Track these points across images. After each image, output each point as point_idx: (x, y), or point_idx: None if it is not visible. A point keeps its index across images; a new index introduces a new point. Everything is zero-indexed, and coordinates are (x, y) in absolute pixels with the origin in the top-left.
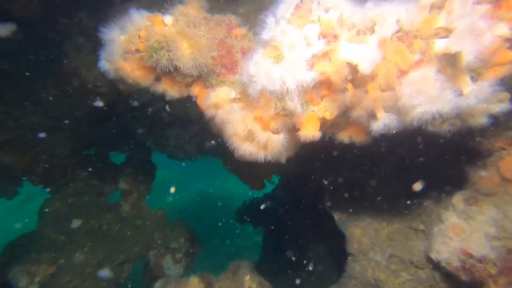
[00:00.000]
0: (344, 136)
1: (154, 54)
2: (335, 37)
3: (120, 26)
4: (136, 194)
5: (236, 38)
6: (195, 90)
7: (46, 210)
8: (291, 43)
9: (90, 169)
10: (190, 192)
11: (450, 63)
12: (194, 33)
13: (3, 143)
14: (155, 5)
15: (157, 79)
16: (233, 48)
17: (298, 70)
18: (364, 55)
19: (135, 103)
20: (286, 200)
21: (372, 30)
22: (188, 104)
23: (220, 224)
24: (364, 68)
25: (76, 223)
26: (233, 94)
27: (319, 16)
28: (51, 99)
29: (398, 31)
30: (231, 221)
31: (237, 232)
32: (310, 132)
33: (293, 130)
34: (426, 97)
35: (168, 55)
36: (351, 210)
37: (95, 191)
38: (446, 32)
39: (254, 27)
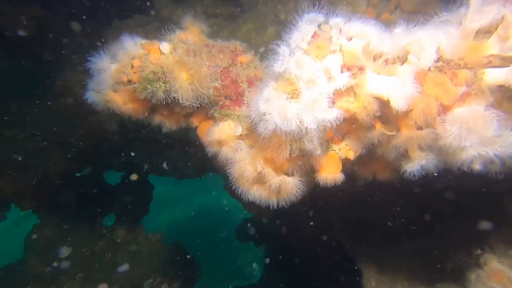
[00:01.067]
0: (366, 173)
1: (149, 86)
2: (361, 69)
3: (111, 53)
4: (131, 217)
5: (241, 66)
6: (195, 121)
7: (34, 237)
8: (309, 77)
9: (83, 191)
10: (188, 210)
11: (506, 96)
12: (194, 62)
13: None
14: (153, 28)
15: (153, 109)
16: (238, 77)
17: (319, 108)
18: (398, 89)
19: (130, 126)
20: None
21: (404, 60)
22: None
23: (220, 244)
24: (400, 104)
25: (65, 252)
26: (239, 130)
27: (341, 46)
28: (43, 118)
29: (437, 61)
30: (231, 239)
31: (237, 251)
32: (332, 175)
33: (310, 171)
34: (478, 137)
35: (165, 87)
36: (365, 242)
37: (87, 214)
38: (502, 61)
39: (257, 48)
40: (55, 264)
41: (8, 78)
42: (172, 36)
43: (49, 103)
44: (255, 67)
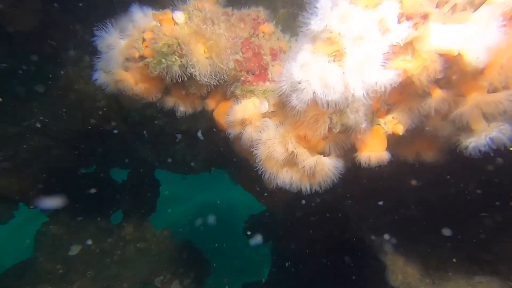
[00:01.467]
0: (408, 153)
1: (163, 60)
2: (424, 17)
3: (120, 28)
4: (139, 214)
5: (263, 36)
6: (212, 103)
7: (43, 235)
8: (357, 33)
9: (89, 189)
10: (195, 206)
11: None
12: (212, 31)
13: None
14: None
15: (166, 91)
16: (261, 49)
17: (370, 69)
18: (476, 38)
19: (137, 118)
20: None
21: (481, 2)
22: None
23: (228, 240)
24: (480, 57)
25: (75, 250)
26: (265, 106)
27: None
28: (46, 115)
29: None
30: (239, 235)
31: (245, 247)
32: (376, 153)
33: (349, 150)
34: None
35: (181, 61)
36: (390, 231)
37: (95, 212)
38: None
39: (276, 21)
40: (64, 262)
41: (9, 75)
42: (186, 5)
43: (52, 99)
44: (278, 39)
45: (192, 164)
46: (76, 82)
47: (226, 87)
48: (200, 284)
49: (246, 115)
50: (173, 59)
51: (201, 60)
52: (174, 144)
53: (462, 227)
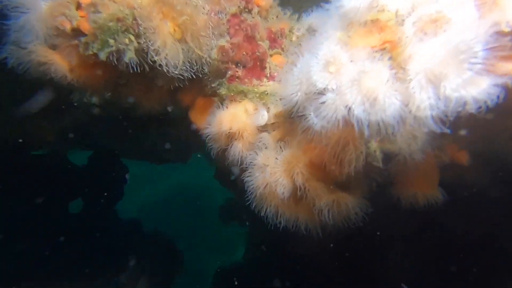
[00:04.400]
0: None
1: (111, 41)
2: None
3: None
4: (103, 202)
5: (258, 12)
6: (186, 99)
7: None
8: (431, 11)
9: (41, 173)
10: (167, 191)
11: None
12: (185, 2)
13: None
14: None
15: (121, 80)
16: (256, 30)
17: (455, 76)
18: None
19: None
20: None
21: None
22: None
23: (201, 226)
24: None
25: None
26: (264, 117)
27: None
28: None
29: None
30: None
31: (219, 231)
32: (426, 193)
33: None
34: None
35: (138, 43)
36: None
37: (49, 199)
38: None
39: None
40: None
41: None
42: None
43: None
44: (277, 17)
45: (164, 154)
46: None
47: (206, 81)
48: (171, 278)
49: (235, 127)
50: (126, 40)
51: (169, 43)
52: (142, 130)
53: None
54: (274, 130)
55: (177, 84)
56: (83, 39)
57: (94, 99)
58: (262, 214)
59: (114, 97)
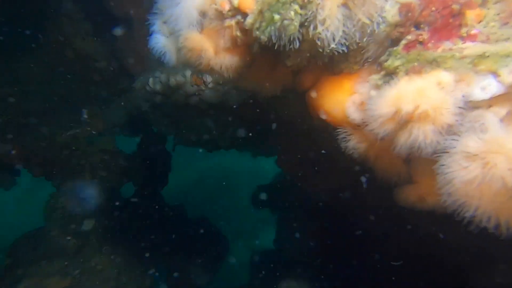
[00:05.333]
0: None
1: (276, 17)
2: None
3: None
4: (150, 187)
5: None
6: (307, 80)
7: (52, 207)
8: None
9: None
10: (207, 179)
11: None
12: None
13: None
14: None
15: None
16: None
17: None
18: None
19: (157, 87)
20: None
21: None
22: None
23: (238, 211)
24: None
25: (88, 224)
26: (485, 88)
27: None
28: (40, 77)
29: None
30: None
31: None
32: None
33: None
34: None
35: (301, 16)
36: None
37: (103, 183)
38: None
39: None
40: (78, 237)
41: None
42: None
43: (45, 59)
44: None
45: (218, 141)
46: (72, 37)
47: (341, 57)
48: (220, 260)
49: (424, 106)
50: (291, 13)
51: (334, 12)
52: (198, 117)
53: None
54: (497, 107)
55: (302, 64)
56: (247, 20)
57: (173, 83)
58: (462, 214)
59: (237, 81)
